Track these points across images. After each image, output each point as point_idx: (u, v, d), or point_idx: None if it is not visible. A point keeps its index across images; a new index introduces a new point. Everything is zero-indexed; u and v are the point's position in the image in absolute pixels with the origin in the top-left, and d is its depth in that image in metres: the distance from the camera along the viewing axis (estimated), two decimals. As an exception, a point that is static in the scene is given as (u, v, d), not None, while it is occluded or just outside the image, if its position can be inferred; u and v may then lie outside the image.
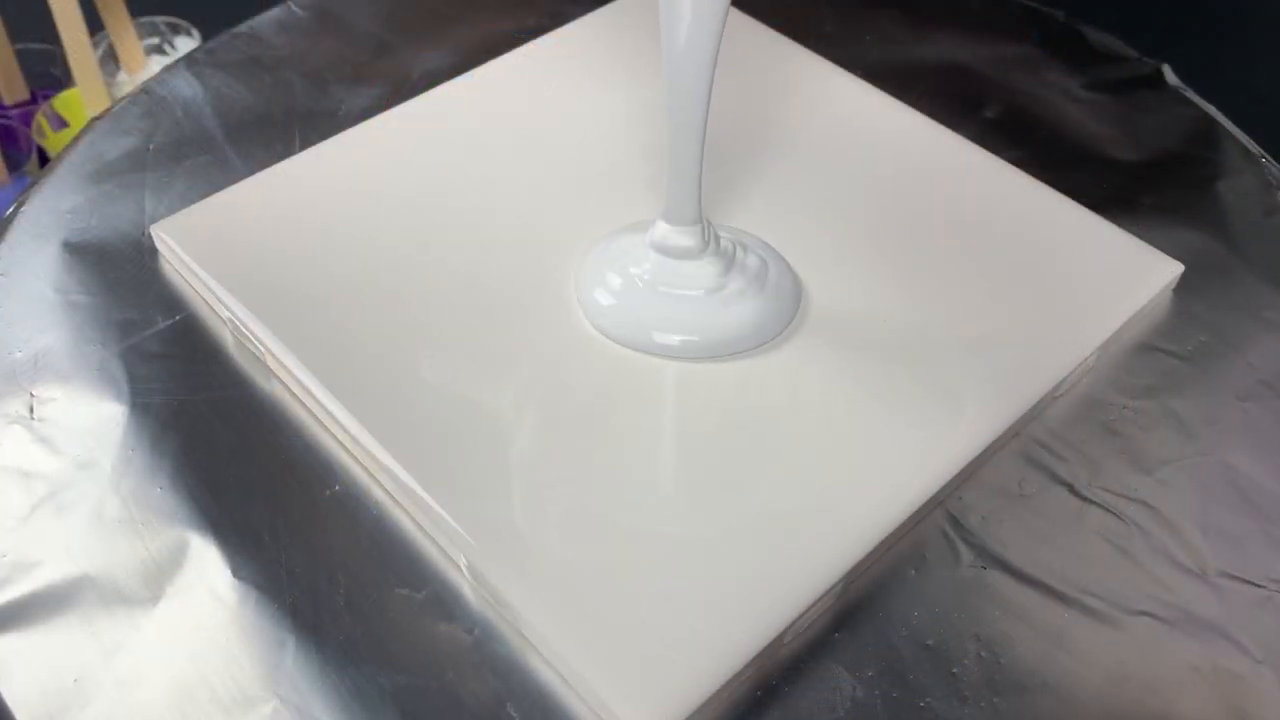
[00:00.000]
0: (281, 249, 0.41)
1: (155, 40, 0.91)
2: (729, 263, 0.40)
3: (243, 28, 0.53)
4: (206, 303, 0.41)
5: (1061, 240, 0.42)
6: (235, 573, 0.33)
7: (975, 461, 0.36)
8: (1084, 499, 0.36)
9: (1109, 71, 0.52)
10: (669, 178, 0.38)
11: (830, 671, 0.32)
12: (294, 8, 0.55)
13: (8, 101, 0.86)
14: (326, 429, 0.37)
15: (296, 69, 0.51)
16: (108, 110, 0.49)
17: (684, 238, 0.39)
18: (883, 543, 0.34)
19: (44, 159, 0.82)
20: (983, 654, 0.32)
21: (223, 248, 0.41)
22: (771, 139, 0.46)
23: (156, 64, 0.89)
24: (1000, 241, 0.42)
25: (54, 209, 0.44)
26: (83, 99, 0.81)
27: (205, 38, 0.89)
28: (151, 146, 0.47)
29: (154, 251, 0.42)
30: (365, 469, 0.36)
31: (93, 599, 0.33)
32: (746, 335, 0.39)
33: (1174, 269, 0.42)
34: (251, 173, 0.44)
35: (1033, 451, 0.37)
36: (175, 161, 0.46)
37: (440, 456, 0.35)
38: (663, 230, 0.40)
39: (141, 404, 0.38)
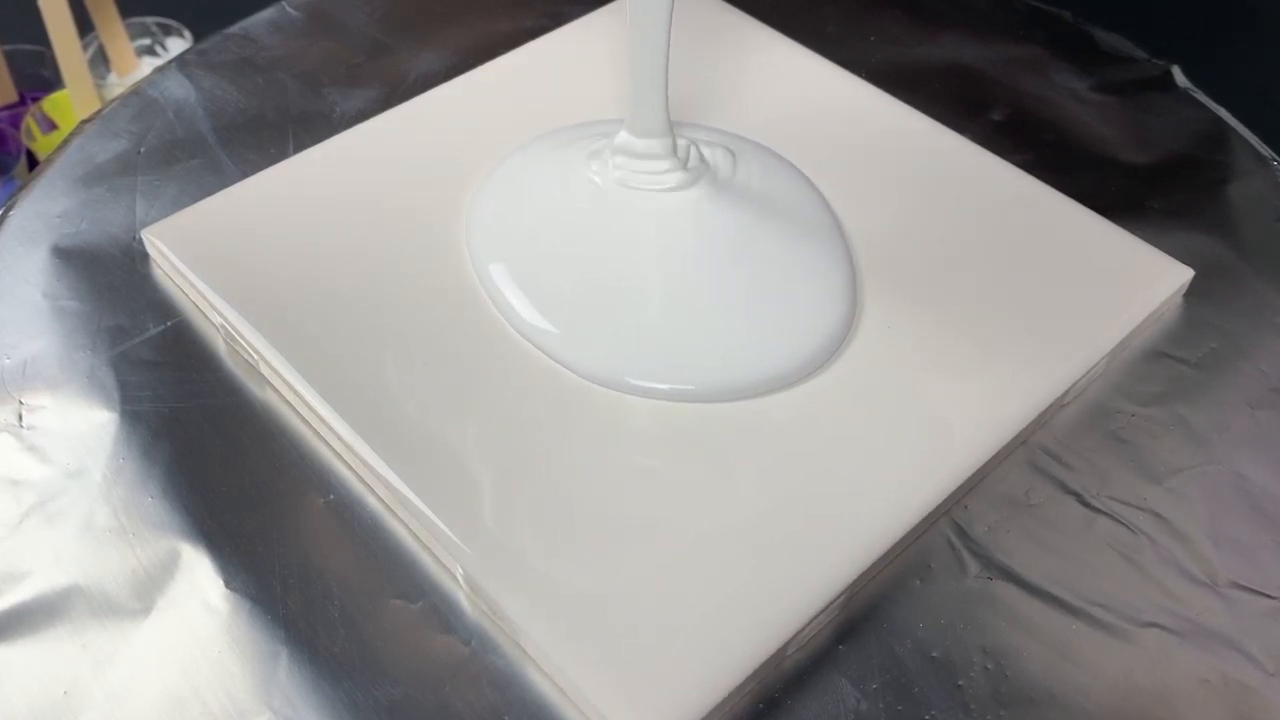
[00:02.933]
0: (275, 254, 0.41)
1: (146, 41, 0.91)
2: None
3: (235, 28, 0.54)
4: (199, 308, 0.41)
5: (1069, 244, 0.42)
6: (228, 583, 0.33)
7: (981, 470, 0.36)
8: (1092, 508, 0.36)
9: (1117, 73, 0.52)
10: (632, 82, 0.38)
11: (834, 684, 0.32)
12: (287, 8, 0.55)
13: (-4, 104, 0.86)
14: (321, 437, 0.37)
15: (290, 70, 0.51)
16: (98, 112, 0.49)
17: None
18: (887, 553, 0.34)
19: (33, 162, 0.82)
20: (989, 666, 0.33)
21: (215, 252, 0.41)
22: (770, 142, 0.46)
23: (147, 65, 0.89)
24: (1006, 245, 0.42)
25: (43, 213, 0.44)
26: (72, 101, 0.81)
27: (197, 38, 0.90)
28: (142, 149, 0.47)
29: (145, 256, 0.43)
30: (360, 478, 0.36)
31: (83, 610, 0.33)
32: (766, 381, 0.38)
33: (1184, 274, 0.42)
34: (244, 176, 0.44)
35: (1039, 460, 0.38)
36: (167, 165, 0.46)
37: (436, 465, 0.35)
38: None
39: (132, 412, 0.38)
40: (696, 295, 0.39)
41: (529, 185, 0.42)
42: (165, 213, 0.43)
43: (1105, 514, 0.36)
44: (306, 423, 0.38)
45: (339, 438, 0.36)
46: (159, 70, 0.51)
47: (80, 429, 0.37)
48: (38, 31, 0.79)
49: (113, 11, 0.84)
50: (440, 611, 0.33)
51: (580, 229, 0.41)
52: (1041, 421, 0.38)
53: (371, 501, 0.36)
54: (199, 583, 0.34)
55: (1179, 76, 0.52)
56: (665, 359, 0.38)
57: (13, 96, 0.86)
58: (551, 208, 0.41)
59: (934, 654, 0.33)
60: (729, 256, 0.40)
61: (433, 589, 0.34)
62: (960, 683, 0.32)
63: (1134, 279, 0.41)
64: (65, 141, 0.47)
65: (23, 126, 0.83)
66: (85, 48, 0.82)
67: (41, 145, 0.83)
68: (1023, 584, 0.34)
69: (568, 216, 0.41)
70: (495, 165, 0.44)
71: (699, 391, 0.37)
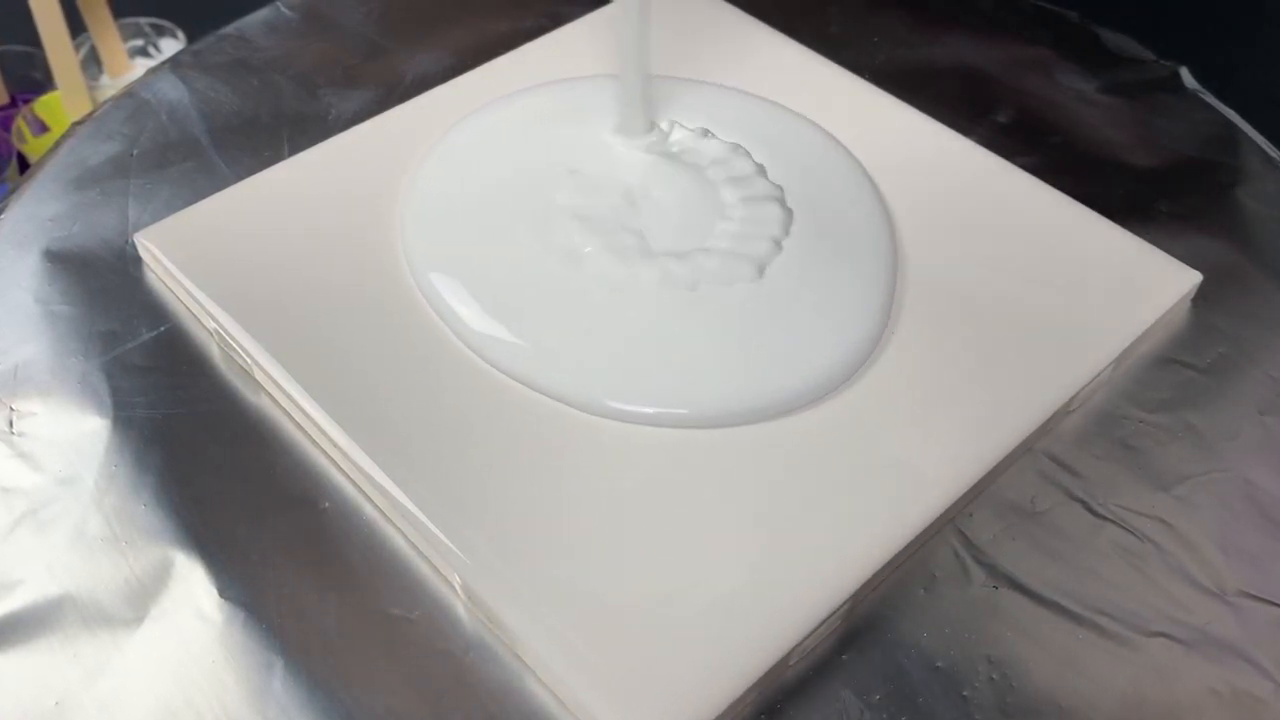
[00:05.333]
0: (270, 258, 0.41)
1: (139, 42, 0.91)
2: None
3: (229, 29, 0.54)
4: (192, 313, 0.41)
5: (1075, 249, 0.42)
6: (221, 592, 0.34)
7: (986, 478, 0.36)
8: (1099, 516, 0.36)
9: (1125, 74, 0.52)
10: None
11: (837, 695, 0.32)
12: (282, 9, 0.55)
13: (-14, 105, 0.86)
14: (316, 444, 0.37)
15: (285, 72, 0.51)
16: (90, 114, 0.49)
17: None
18: (890, 562, 0.34)
19: (24, 165, 0.82)
20: (994, 676, 0.33)
21: (209, 256, 0.41)
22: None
23: (140, 67, 0.89)
24: (1012, 250, 0.42)
25: (34, 216, 0.44)
26: (64, 103, 0.82)
27: (191, 39, 0.90)
28: (135, 152, 0.47)
29: (138, 260, 0.43)
30: (356, 485, 0.36)
31: (74, 619, 0.33)
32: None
33: (1192, 278, 0.42)
34: (239, 179, 0.45)
35: (1045, 467, 0.38)
36: (160, 167, 0.46)
37: (433, 472, 0.35)
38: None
39: (125, 418, 0.38)
40: (693, 308, 0.39)
41: (481, 177, 0.43)
42: (158, 216, 0.43)
43: (1112, 522, 0.36)
44: (301, 429, 0.38)
45: (335, 445, 0.36)
46: (152, 71, 0.51)
47: (72, 435, 0.37)
48: (29, 32, 0.79)
49: (105, 12, 0.84)
50: (437, 621, 0.33)
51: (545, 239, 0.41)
52: (1047, 428, 0.38)
53: (368, 510, 0.36)
54: (192, 592, 0.34)
55: (1187, 78, 0.52)
56: (654, 380, 0.37)
57: (3, 98, 0.86)
58: (511, 214, 0.42)
59: (938, 664, 0.33)
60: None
61: (430, 599, 0.34)
62: (965, 693, 0.32)
63: (1141, 283, 0.41)
64: (57, 144, 0.47)
65: (14, 128, 0.83)
66: (77, 48, 0.82)
67: (33, 147, 0.83)
68: (1028, 593, 0.34)
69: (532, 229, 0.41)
70: (432, 147, 0.44)
71: (691, 417, 0.37)
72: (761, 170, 0.43)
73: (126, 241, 0.43)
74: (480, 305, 0.39)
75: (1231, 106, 0.51)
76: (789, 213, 0.42)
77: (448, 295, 0.39)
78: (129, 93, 0.50)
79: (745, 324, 0.39)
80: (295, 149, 0.47)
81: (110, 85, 0.87)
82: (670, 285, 0.39)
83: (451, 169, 0.43)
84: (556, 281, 0.40)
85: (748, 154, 0.44)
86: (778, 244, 0.40)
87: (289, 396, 0.37)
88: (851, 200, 0.43)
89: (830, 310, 0.39)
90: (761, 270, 0.40)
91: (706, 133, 0.44)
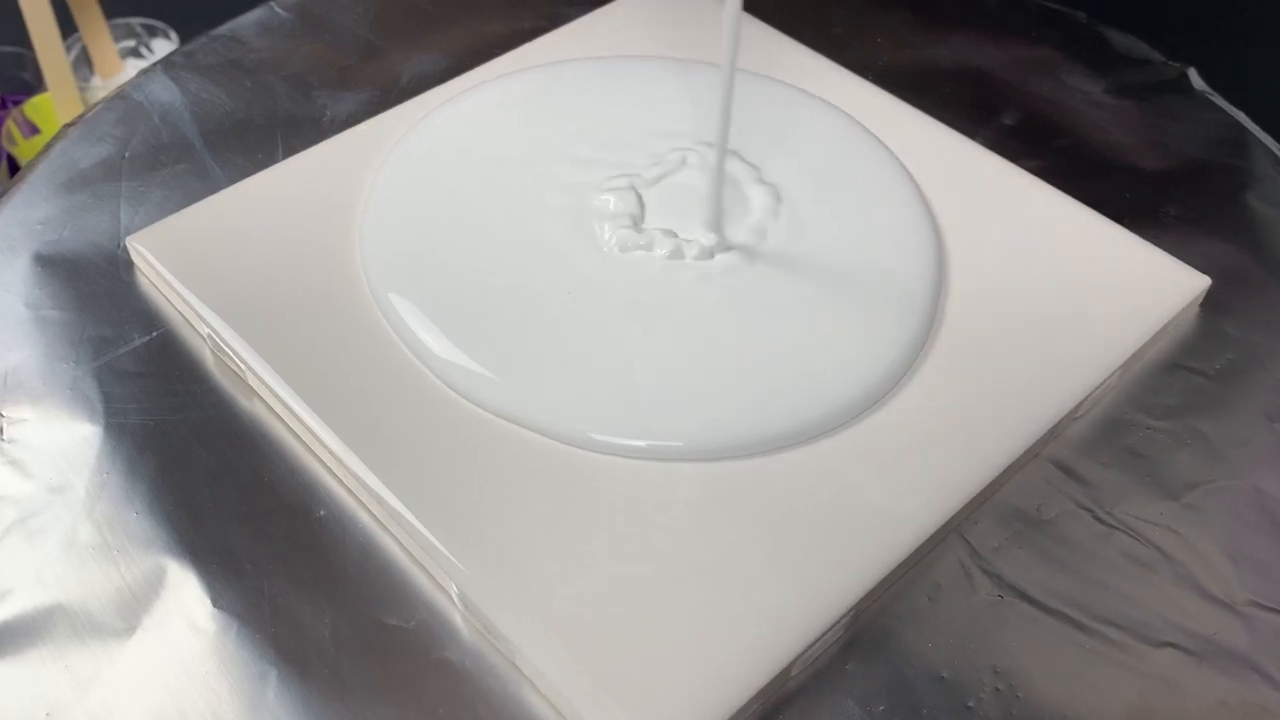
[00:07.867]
0: (264, 262, 0.41)
1: (131, 43, 0.92)
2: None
3: (223, 30, 0.54)
4: (185, 318, 0.41)
5: (1083, 253, 0.43)
6: (215, 602, 0.34)
7: (991, 485, 0.36)
8: (1106, 524, 0.36)
9: (1133, 75, 0.53)
10: None
11: (840, 705, 0.32)
12: (277, 9, 0.55)
13: (-24, 107, 0.86)
14: (311, 451, 0.37)
15: (279, 73, 0.51)
16: (81, 116, 0.49)
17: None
18: (895, 571, 0.34)
19: (14, 167, 0.82)
20: (1000, 687, 0.33)
21: (202, 260, 0.41)
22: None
23: (132, 68, 0.89)
24: (1018, 254, 0.42)
25: (25, 220, 0.44)
26: (55, 104, 0.82)
27: (183, 40, 0.90)
28: (127, 154, 0.47)
29: (130, 264, 0.43)
30: (351, 493, 0.36)
31: (65, 629, 0.33)
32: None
33: (1200, 283, 0.42)
34: (232, 182, 0.45)
35: (1052, 475, 0.38)
36: (152, 170, 0.46)
37: (429, 480, 0.35)
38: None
39: (116, 425, 0.38)
40: (697, 337, 0.40)
41: (444, 184, 0.43)
42: (150, 219, 0.44)
43: (1120, 530, 0.36)
44: (296, 436, 0.38)
45: (330, 451, 0.36)
46: (144, 73, 0.51)
47: (63, 443, 0.37)
48: (19, 33, 0.79)
49: (96, 12, 0.84)
50: (434, 630, 0.33)
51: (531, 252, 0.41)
52: (1054, 435, 0.38)
53: (364, 517, 0.36)
54: (185, 601, 0.34)
55: (1196, 79, 0.52)
56: (647, 413, 0.37)
57: (-8, 100, 0.87)
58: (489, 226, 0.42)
59: (943, 674, 0.33)
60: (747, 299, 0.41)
61: (426, 607, 0.34)
62: (970, 704, 0.32)
63: (1149, 288, 0.41)
64: (47, 146, 0.48)
65: (3, 130, 0.83)
66: (68, 49, 0.82)
67: (23, 150, 0.83)
68: (1035, 602, 0.34)
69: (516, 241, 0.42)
70: (393, 148, 0.44)
71: (686, 449, 0.36)
72: (774, 189, 0.43)
73: (118, 245, 0.43)
74: (448, 336, 0.38)
75: (1241, 108, 0.51)
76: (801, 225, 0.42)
77: (414, 324, 0.39)
78: (120, 94, 0.50)
79: (756, 350, 0.39)
80: (289, 151, 0.47)
81: (101, 87, 0.87)
82: (666, 289, 0.39)
83: (411, 178, 0.43)
84: (535, 304, 0.40)
85: (744, 161, 0.44)
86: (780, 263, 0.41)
87: (283, 402, 0.37)
88: (895, 220, 0.43)
89: (858, 342, 0.39)
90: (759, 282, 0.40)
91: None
